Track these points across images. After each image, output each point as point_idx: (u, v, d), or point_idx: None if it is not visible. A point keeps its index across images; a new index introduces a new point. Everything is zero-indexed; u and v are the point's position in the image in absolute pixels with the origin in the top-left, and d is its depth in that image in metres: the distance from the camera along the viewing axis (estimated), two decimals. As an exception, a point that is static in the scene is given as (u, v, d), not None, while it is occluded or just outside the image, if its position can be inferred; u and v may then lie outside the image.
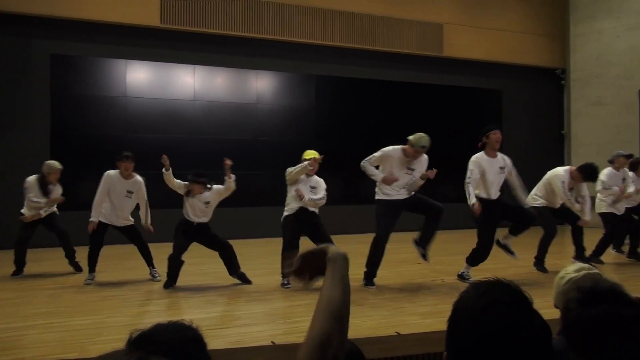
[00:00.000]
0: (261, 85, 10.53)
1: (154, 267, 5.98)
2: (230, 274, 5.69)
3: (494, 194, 5.57)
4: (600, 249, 6.73)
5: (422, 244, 5.56)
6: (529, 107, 12.65)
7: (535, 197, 6.48)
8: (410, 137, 5.42)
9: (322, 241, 5.41)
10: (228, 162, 5.62)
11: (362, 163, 5.53)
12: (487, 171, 5.52)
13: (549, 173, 6.55)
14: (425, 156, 5.56)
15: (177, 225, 5.68)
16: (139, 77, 9.72)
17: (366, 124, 11.15)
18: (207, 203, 5.66)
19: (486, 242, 5.47)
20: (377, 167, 5.57)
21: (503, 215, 5.60)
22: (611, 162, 7.15)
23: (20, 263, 6.10)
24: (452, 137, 11.75)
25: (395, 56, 11.31)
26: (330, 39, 10.71)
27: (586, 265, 2.03)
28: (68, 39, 9.09)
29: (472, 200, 5.33)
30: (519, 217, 5.62)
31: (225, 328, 4.05)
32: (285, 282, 5.40)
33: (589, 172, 6.30)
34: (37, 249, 6.87)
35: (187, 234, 5.59)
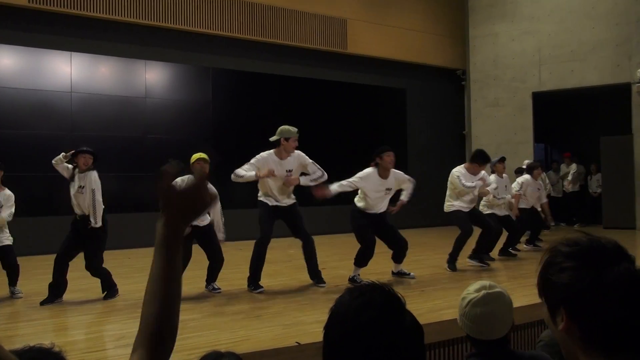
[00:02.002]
0: (151, 77, 10.08)
1: (15, 285, 5.52)
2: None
3: (379, 209, 5.93)
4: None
5: (311, 274, 5.81)
6: (432, 107, 13.32)
7: (448, 204, 6.83)
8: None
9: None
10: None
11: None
12: (371, 190, 5.86)
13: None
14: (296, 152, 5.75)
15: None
16: (6, 63, 8.87)
17: (266, 122, 11.07)
18: (81, 187, 5.38)
19: (365, 245, 5.82)
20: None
21: (377, 231, 5.94)
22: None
23: None
24: (356, 136, 12.06)
25: (298, 50, 11.37)
26: (228, 29, 10.52)
27: (487, 283, 2.05)
28: None
29: (334, 189, 5.68)
30: (392, 240, 5.98)
31: (98, 350, 3.79)
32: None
33: (477, 155, 6.80)
34: None
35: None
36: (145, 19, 9.69)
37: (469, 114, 13.61)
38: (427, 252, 7.74)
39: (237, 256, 7.17)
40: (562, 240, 1.09)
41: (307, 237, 5.72)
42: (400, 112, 12.94)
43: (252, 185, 10.09)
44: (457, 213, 6.72)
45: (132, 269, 6.82)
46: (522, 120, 12.64)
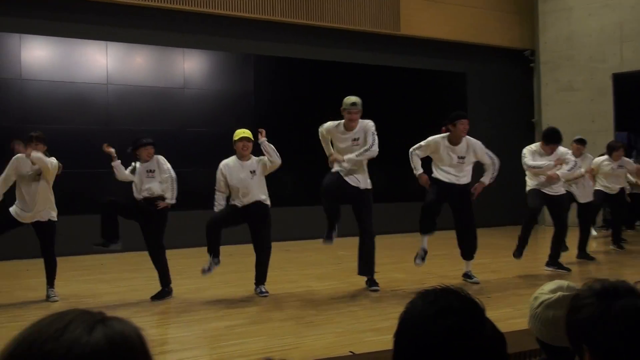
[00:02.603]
0: (190, 66, 10.25)
1: (52, 287, 5.68)
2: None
3: (454, 179, 5.90)
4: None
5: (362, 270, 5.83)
6: (495, 93, 12.99)
7: (527, 182, 6.81)
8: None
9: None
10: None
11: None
12: (442, 157, 5.90)
13: None
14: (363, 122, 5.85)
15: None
16: (38, 55, 9.22)
17: (312, 112, 11.07)
18: (151, 171, 5.69)
19: (425, 205, 5.88)
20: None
21: (450, 202, 5.95)
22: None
23: None
24: (411, 125, 11.88)
25: (346, 34, 11.30)
26: (271, 13, 10.57)
27: (565, 284, 1.99)
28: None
29: (418, 171, 5.84)
30: (460, 220, 5.99)
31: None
32: (206, 267, 5.56)
33: (545, 134, 6.71)
34: None
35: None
36: (183, 5, 9.86)
37: (538, 99, 13.19)
38: (492, 255, 7.55)
39: (284, 258, 7.21)
40: (586, 284, 1.32)
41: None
42: (460, 99, 12.67)
43: (298, 181, 10.13)
44: (530, 191, 6.66)
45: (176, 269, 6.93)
46: (601, 106, 12.15)
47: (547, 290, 1.99)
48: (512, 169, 6.95)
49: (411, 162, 5.92)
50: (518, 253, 6.56)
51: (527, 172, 6.76)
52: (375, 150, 5.67)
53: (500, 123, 12.95)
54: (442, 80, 12.44)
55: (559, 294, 1.96)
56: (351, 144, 5.68)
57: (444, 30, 12.17)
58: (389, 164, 11.29)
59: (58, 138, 9.15)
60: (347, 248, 8.59)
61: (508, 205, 11.23)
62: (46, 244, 5.61)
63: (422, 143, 5.98)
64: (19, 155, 5.61)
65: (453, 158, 5.90)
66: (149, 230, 5.61)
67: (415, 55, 12.05)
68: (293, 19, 10.76)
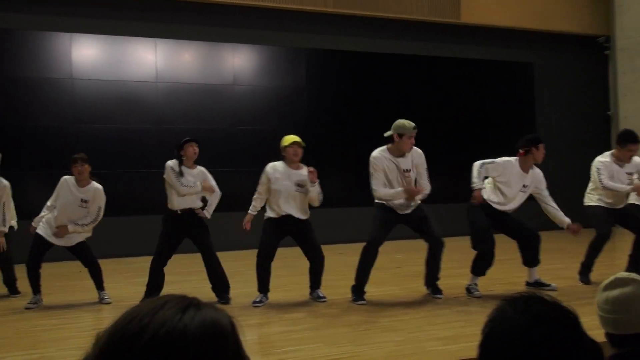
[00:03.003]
0: (239, 61, 10.43)
1: (103, 290, 5.94)
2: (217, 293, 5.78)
3: (508, 207, 5.78)
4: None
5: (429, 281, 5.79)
6: (566, 84, 12.63)
7: (589, 196, 6.48)
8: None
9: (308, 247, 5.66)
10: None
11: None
12: (511, 182, 5.72)
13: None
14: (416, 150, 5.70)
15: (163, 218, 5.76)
16: (88, 54, 9.60)
17: (368, 108, 11.08)
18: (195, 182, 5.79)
19: (482, 249, 5.70)
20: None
21: (502, 228, 5.85)
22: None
23: None
24: (473, 121, 11.71)
25: (403, 24, 11.24)
26: (323, 5, 10.63)
27: (624, 273, 1.99)
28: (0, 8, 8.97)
29: (476, 184, 5.64)
30: (519, 233, 5.86)
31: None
32: (258, 299, 5.56)
33: (620, 136, 6.27)
34: None
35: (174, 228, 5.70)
36: (232, -2, 10.05)
37: (614, 90, 12.73)
38: (564, 260, 7.35)
39: (338, 261, 7.24)
40: None
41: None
42: (527, 90, 12.38)
43: (351, 181, 10.13)
44: (594, 209, 6.33)
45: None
46: (687, 96, 11.62)
47: (612, 277, 2.00)
48: (585, 166, 6.72)
49: (478, 173, 5.68)
50: (585, 279, 6.31)
51: (592, 187, 6.43)
52: (429, 189, 5.72)
53: (571, 117, 12.58)
54: (507, 71, 12.19)
55: (614, 277, 1.97)
56: (400, 175, 5.58)
57: (509, 17, 11.92)
58: (450, 163, 11.18)
59: (108, 138, 9.51)
60: (404, 251, 8.57)
61: (579, 206, 10.90)
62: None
63: (496, 160, 5.76)
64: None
65: (518, 186, 5.74)
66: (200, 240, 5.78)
67: (477, 45, 11.85)
68: (346, 9, 10.78)
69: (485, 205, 5.72)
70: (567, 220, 5.80)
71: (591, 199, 6.43)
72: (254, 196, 5.82)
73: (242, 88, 10.39)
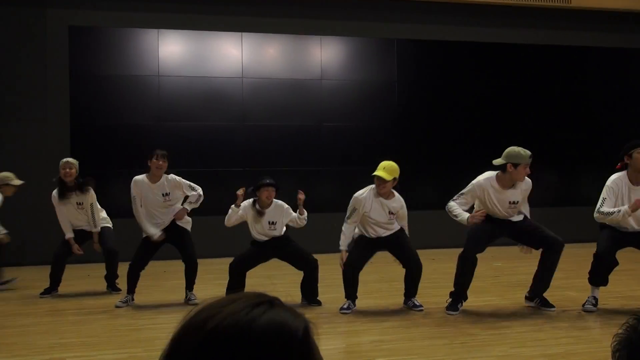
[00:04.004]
0: (327, 54, 10.52)
1: (192, 291, 6.19)
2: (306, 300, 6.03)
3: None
4: None
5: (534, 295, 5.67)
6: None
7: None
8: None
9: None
10: (301, 196, 6.02)
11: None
12: (626, 197, 5.45)
13: None
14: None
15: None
16: (175, 50, 10.00)
17: (465, 104, 10.86)
18: (273, 223, 6.00)
19: (600, 256, 5.55)
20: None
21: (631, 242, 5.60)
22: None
23: (54, 280, 6.67)
24: (586, 117, 11.21)
25: (505, 9, 10.92)
26: (415, -9, 10.53)
27: None
28: (87, 6, 9.51)
29: (620, 213, 5.34)
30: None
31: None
32: (345, 306, 5.63)
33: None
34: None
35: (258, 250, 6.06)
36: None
37: None
38: None
39: (430, 268, 7.17)
40: None
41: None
42: (648, 81, 11.70)
43: (446, 181, 9.97)
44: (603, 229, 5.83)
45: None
46: None
47: None
48: None
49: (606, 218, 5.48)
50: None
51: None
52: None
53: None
54: (624, 59, 11.56)
55: None
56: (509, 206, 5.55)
57: (626, -1, 11.31)
58: (564, 163, 10.78)
59: (194, 135, 9.88)
60: (503, 259, 8.35)
61: None
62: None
63: (607, 196, 5.46)
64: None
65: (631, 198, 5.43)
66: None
67: (590, 31, 11.32)
68: (441, -4, 10.62)
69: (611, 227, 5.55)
70: None
71: None
72: (344, 227, 5.78)
73: (330, 82, 10.47)
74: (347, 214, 5.72)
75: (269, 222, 5.96)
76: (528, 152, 5.37)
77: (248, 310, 0.90)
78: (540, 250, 5.60)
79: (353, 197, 5.71)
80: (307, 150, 10.25)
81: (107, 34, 9.70)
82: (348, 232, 5.73)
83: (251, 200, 6.03)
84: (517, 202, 5.53)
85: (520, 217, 5.63)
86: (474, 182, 5.55)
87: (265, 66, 10.26)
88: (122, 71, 9.72)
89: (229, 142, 9.96)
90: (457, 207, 5.54)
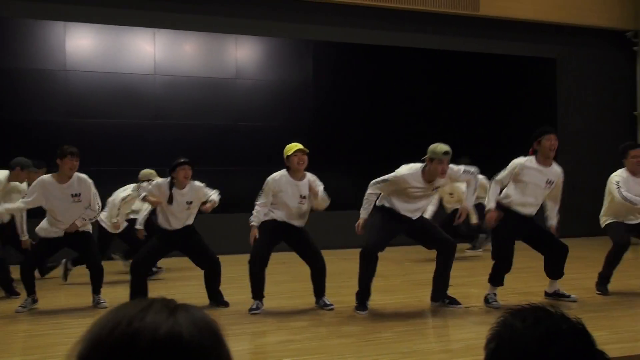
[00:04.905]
0: (242, 54, 10.46)
1: (99, 294, 5.99)
2: (210, 298, 5.90)
3: (529, 210, 5.79)
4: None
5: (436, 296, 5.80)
6: (591, 81, 12.57)
7: (603, 219, 6.50)
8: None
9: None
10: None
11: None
12: (530, 182, 5.73)
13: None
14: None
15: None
16: (83, 44, 9.65)
17: (380, 104, 11.08)
18: (189, 203, 5.87)
19: (501, 256, 5.73)
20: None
21: (529, 239, 5.86)
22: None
23: None
24: (492, 120, 11.68)
25: (417, 16, 11.22)
26: (332, -6, 10.64)
27: None
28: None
29: (490, 204, 5.69)
30: (546, 245, 5.85)
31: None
32: (254, 307, 5.60)
33: (625, 147, 6.36)
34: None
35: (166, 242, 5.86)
36: (235, -14, 10.08)
37: (643, 88, 12.67)
38: (584, 269, 7.33)
39: (342, 268, 7.25)
40: None
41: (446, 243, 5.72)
42: (549, 88, 12.34)
43: (359, 182, 10.10)
44: (612, 224, 6.38)
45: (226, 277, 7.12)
46: None
47: None
48: (610, 168, 6.68)
49: (489, 192, 5.77)
50: (603, 290, 6.29)
51: (607, 206, 6.42)
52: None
53: (596, 116, 12.52)
54: (528, 67, 12.15)
55: None
56: (425, 195, 5.67)
57: (530, 9, 11.88)
58: (469, 163, 11.15)
59: (104, 133, 9.56)
60: (413, 259, 8.57)
61: (598, 210, 10.83)
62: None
63: (507, 170, 5.77)
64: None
65: (540, 183, 5.75)
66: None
67: (496, 39, 11.82)
68: (358, 0, 10.78)
69: (510, 211, 5.73)
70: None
71: (604, 217, 6.47)
72: (256, 208, 5.72)
73: (245, 82, 10.41)
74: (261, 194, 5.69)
75: (187, 202, 5.83)
76: (444, 149, 5.43)
77: (170, 315, 0.88)
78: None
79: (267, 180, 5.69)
80: (222, 150, 10.14)
81: (11, 25, 9.24)
82: (261, 213, 5.69)
83: (167, 180, 5.88)
84: (426, 199, 5.65)
85: (417, 215, 5.73)
86: (398, 173, 5.57)
87: (179, 64, 10.07)
88: (27, 64, 9.29)
89: (141, 141, 9.71)
90: (369, 200, 5.63)
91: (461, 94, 11.56)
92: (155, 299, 0.93)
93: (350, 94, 10.94)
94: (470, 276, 7.12)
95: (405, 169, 5.57)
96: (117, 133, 9.61)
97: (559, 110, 12.36)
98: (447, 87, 11.50)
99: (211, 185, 8.33)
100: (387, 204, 5.67)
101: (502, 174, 5.81)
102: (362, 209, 5.67)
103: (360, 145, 10.73)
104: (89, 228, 6.08)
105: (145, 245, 6.00)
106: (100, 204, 6.11)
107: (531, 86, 12.16)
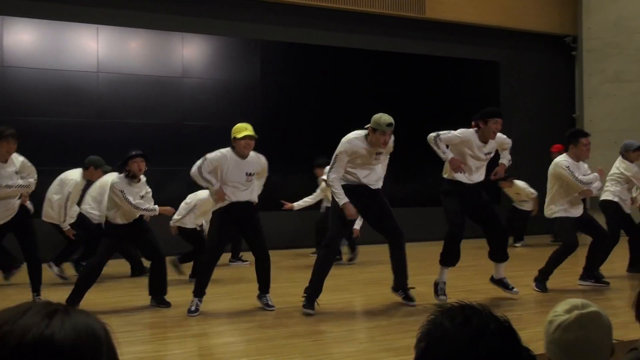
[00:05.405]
0: (189, 52, 10.32)
1: (38, 294, 5.82)
2: (151, 293, 5.79)
3: (475, 177, 5.85)
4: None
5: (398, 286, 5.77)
6: (532, 84, 12.92)
7: (551, 208, 6.63)
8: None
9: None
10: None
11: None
12: (467, 155, 5.81)
13: (550, 167, 6.70)
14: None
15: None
16: (22, 39, 9.34)
17: (327, 105, 11.11)
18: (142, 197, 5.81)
19: (450, 233, 5.73)
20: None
21: (473, 214, 5.87)
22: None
23: None
24: (436, 121, 11.84)
25: (365, 17, 11.30)
26: (280, -6, 10.62)
27: (579, 302, 1.98)
28: None
29: (446, 155, 5.70)
30: (488, 225, 5.90)
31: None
32: (193, 308, 5.44)
33: (573, 133, 6.76)
34: None
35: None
36: (182, -16, 9.94)
37: (580, 92, 13.09)
38: (524, 267, 7.51)
39: (290, 267, 7.24)
40: None
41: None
42: (492, 91, 12.62)
43: (304, 181, 10.12)
44: (564, 221, 6.52)
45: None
46: (653, 100, 12.03)
47: (561, 311, 1.99)
48: (547, 168, 6.88)
49: (438, 146, 5.74)
50: (542, 286, 6.42)
51: (553, 194, 6.60)
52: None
53: (537, 118, 12.88)
54: (472, 69, 12.39)
55: (575, 313, 1.96)
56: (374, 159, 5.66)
57: (475, 13, 12.13)
58: (412, 164, 11.29)
59: (45, 131, 9.26)
60: (362, 256, 8.63)
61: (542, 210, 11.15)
62: None
63: (453, 132, 5.86)
64: None
65: (481, 156, 5.87)
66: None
67: (441, 42, 12.01)
68: (305, 0, 10.78)
69: (455, 183, 5.76)
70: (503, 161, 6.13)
71: (557, 209, 6.57)
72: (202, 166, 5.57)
73: (192, 81, 10.28)
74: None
75: (141, 196, 5.75)
76: (387, 120, 5.43)
77: (45, 321, 0.87)
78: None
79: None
80: (167, 149, 9.97)
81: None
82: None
83: (121, 175, 5.77)
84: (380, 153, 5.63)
85: (379, 185, 5.69)
86: (343, 145, 5.51)
87: (123, 61, 9.86)
88: (-39, 60, 8.92)
89: (84, 140, 9.43)
90: (335, 186, 5.49)
91: (407, 95, 11.69)
92: (37, 302, 0.92)
93: (298, 95, 10.94)
94: (418, 274, 7.19)
95: (347, 138, 5.55)
96: (58, 132, 9.33)
97: (502, 112, 12.62)
98: (393, 88, 11.62)
99: (157, 184, 8.19)
100: (343, 182, 5.55)
101: (447, 134, 5.82)
102: (337, 197, 5.44)
103: (308, 146, 10.72)
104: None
105: (102, 250, 5.81)
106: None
107: (475, 88, 12.40)
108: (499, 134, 5.97)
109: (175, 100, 10.11)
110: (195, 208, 7.31)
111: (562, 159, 6.57)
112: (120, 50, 9.88)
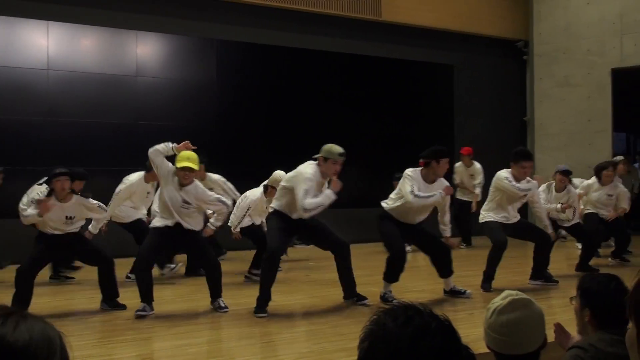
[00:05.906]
0: (143, 51, 10.16)
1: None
2: (104, 300, 5.69)
3: (417, 219, 6.06)
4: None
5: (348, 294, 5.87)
6: (485, 87, 13.16)
7: (484, 213, 6.85)
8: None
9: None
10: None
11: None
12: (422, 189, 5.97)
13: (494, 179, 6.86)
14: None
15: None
16: (-31, 35, 9.05)
17: (282, 106, 11.09)
18: (69, 218, 5.55)
19: (393, 255, 5.90)
20: None
21: (410, 238, 6.17)
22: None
23: None
24: (391, 123, 11.97)
25: (321, 18, 11.33)
26: (236, -7, 10.56)
27: (514, 292, 2.18)
28: None
29: (434, 195, 5.84)
30: (430, 248, 6.11)
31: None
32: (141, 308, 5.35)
33: (518, 153, 6.72)
34: None
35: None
36: (136, -19, 9.79)
37: (531, 95, 13.41)
38: (475, 267, 7.64)
39: (240, 270, 7.21)
40: None
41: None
42: (447, 93, 12.81)
43: (261, 182, 10.04)
44: (489, 224, 6.73)
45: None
46: (600, 104, 12.40)
47: (497, 299, 2.18)
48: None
49: (425, 197, 5.83)
50: (488, 286, 6.59)
51: (493, 200, 6.74)
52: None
53: (490, 121, 13.12)
54: (427, 72, 12.55)
55: (509, 298, 2.13)
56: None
57: (430, 17, 12.29)
58: (367, 165, 11.38)
59: (-10, 130, 9.00)
60: (318, 259, 8.63)
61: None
62: None
63: (411, 182, 5.88)
64: None
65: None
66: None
67: (397, 44, 12.13)
68: (262, 0, 10.75)
69: (392, 217, 5.94)
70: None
71: (484, 215, 6.82)
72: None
73: (146, 80, 10.12)
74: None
75: (66, 217, 5.49)
76: (339, 150, 5.52)
77: (4, 325, 0.90)
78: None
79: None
80: (122, 149, 9.80)
81: None
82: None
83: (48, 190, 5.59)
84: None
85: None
86: (310, 175, 5.49)
87: (75, 59, 9.64)
88: None
89: (33, 139, 9.20)
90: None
91: (363, 97, 11.76)
92: None
93: (254, 95, 10.88)
94: (371, 275, 7.25)
95: (311, 173, 5.50)
96: (5, 130, 9.06)
97: (456, 115, 12.85)
98: (349, 89, 11.68)
99: (108, 186, 8.05)
100: (278, 208, 5.65)
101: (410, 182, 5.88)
102: (323, 203, 5.47)
103: (263, 146, 10.69)
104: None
105: (35, 254, 5.62)
106: None
107: (430, 91, 12.57)
108: (444, 181, 6.15)
109: (129, 99, 9.94)
110: (249, 210, 7.40)
111: (502, 172, 6.71)
112: (72, 47, 9.66)
